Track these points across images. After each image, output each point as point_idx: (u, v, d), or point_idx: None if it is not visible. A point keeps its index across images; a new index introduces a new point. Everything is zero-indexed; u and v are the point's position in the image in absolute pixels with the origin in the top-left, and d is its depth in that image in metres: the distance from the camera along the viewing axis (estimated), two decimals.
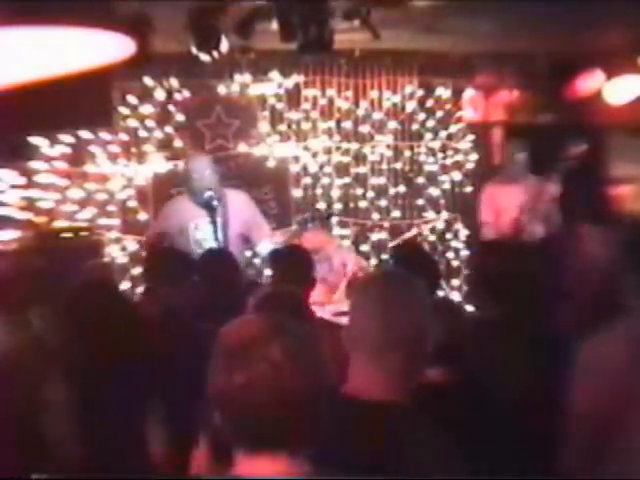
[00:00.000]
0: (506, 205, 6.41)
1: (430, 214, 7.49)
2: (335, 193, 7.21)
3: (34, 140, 6.06)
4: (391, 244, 7.15)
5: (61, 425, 1.85)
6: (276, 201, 7.12)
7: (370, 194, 7.31)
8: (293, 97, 7.08)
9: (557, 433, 2.24)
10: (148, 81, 6.58)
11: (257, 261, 6.44)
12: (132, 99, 6.59)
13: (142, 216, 6.65)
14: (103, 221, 6.48)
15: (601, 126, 7.71)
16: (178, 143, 6.76)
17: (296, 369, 1.47)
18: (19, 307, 3.28)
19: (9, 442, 1.59)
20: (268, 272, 5.37)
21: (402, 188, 7.41)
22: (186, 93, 6.75)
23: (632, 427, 2.00)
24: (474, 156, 7.56)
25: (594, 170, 7.92)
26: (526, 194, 6.35)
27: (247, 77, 6.85)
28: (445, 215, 7.47)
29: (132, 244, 6.55)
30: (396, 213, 7.40)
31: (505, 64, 7.45)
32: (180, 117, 6.76)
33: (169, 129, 6.73)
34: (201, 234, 5.52)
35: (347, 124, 7.24)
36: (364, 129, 7.29)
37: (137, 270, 6.14)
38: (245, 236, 5.69)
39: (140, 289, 4.18)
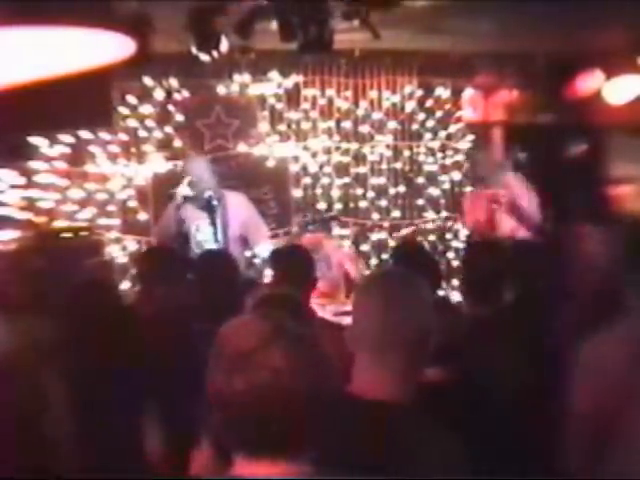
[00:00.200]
0: (486, 207, 6.45)
1: (430, 214, 7.49)
2: (335, 193, 7.21)
3: (34, 140, 6.06)
4: (391, 243, 7.15)
5: (61, 425, 1.85)
6: (276, 201, 7.12)
7: (370, 194, 7.32)
8: (293, 97, 7.08)
9: (556, 433, 2.24)
10: (148, 81, 6.58)
11: (257, 261, 6.43)
12: (132, 99, 6.59)
13: (142, 216, 6.65)
14: (103, 221, 6.48)
15: (601, 126, 7.71)
16: (178, 143, 6.76)
17: (297, 372, 1.47)
18: (19, 307, 3.28)
19: (9, 442, 1.59)
20: (268, 272, 5.36)
21: (402, 188, 7.42)
22: (186, 93, 6.76)
23: (632, 427, 2.00)
24: (473, 156, 7.55)
25: (594, 170, 7.92)
26: (502, 195, 6.36)
27: (247, 77, 6.86)
28: (445, 215, 7.47)
29: (132, 244, 6.55)
30: (396, 213, 7.40)
31: (505, 64, 7.45)
32: (180, 117, 6.76)
33: (169, 129, 6.73)
34: (202, 236, 5.52)
35: (347, 124, 7.24)
36: (364, 129, 7.30)
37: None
38: (244, 237, 5.69)
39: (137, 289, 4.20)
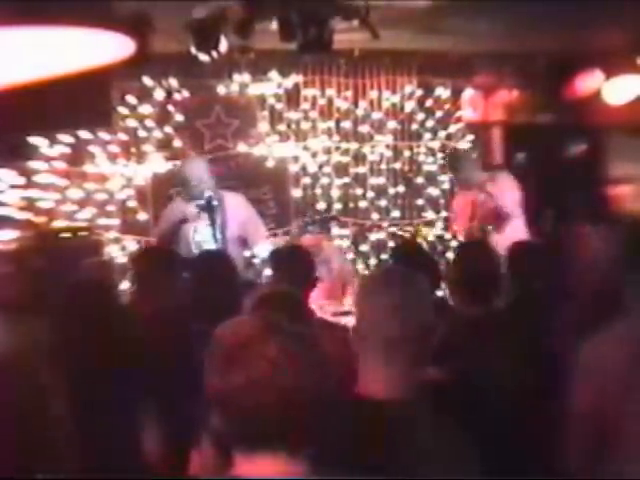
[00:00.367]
0: (467, 209, 6.50)
1: (430, 214, 7.49)
2: (334, 193, 7.21)
3: (33, 140, 6.06)
4: (390, 243, 7.15)
5: (60, 425, 1.85)
6: (275, 201, 7.12)
7: (369, 194, 7.32)
8: (292, 97, 7.08)
9: (556, 433, 2.24)
10: (147, 81, 6.57)
11: (256, 262, 6.43)
12: (131, 99, 6.59)
13: (141, 216, 6.65)
14: (102, 221, 6.47)
15: (600, 126, 7.71)
16: (177, 143, 6.76)
17: (294, 368, 1.47)
18: (19, 307, 3.28)
19: (9, 442, 1.59)
20: (267, 273, 5.36)
21: (401, 188, 7.42)
22: (185, 93, 6.75)
23: (632, 427, 2.00)
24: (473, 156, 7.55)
25: (593, 170, 7.93)
26: (480, 196, 6.39)
27: (246, 77, 6.85)
28: (444, 215, 7.47)
29: (131, 244, 6.55)
30: (395, 213, 7.40)
31: (504, 64, 7.45)
32: (179, 117, 6.76)
33: (168, 129, 6.73)
34: (200, 236, 5.51)
35: (346, 124, 7.24)
36: (363, 129, 7.29)
37: None
38: (243, 238, 5.69)
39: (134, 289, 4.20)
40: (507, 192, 6.33)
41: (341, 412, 1.82)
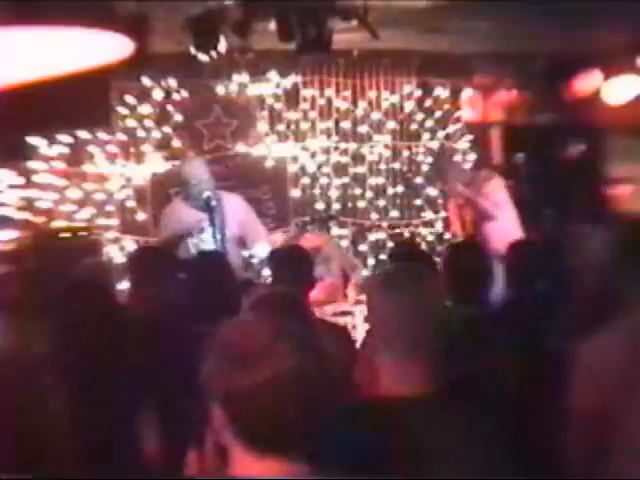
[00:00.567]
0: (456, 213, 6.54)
1: (428, 214, 7.49)
2: (333, 193, 7.21)
3: (32, 140, 6.06)
4: (390, 243, 7.15)
5: (59, 425, 1.85)
6: (274, 201, 7.12)
7: (368, 194, 7.32)
8: (291, 97, 7.08)
9: (555, 433, 2.24)
10: (146, 81, 6.57)
11: (255, 262, 6.43)
12: (130, 99, 6.59)
13: (140, 216, 6.65)
14: (101, 221, 6.47)
15: (599, 126, 7.72)
16: (177, 143, 6.76)
17: (303, 370, 1.47)
18: (17, 307, 3.27)
19: (8, 442, 1.59)
20: (266, 273, 5.36)
21: (400, 188, 7.41)
22: (184, 93, 6.75)
23: (632, 427, 2.00)
24: (472, 156, 7.56)
25: (592, 170, 7.93)
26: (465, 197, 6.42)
27: (245, 77, 6.85)
28: (443, 215, 7.47)
29: (131, 244, 6.55)
30: (394, 213, 7.40)
31: (503, 64, 7.45)
32: (178, 117, 6.76)
33: (167, 129, 6.73)
34: (200, 237, 5.49)
35: (345, 124, 7.24)
36: (362, 129, 7.29)
37: None
38: (242, 238, 5.67)
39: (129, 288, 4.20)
40: (491, 192, 6.36)
41: (363, 412, 1.84)
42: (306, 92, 7.11)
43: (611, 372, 2.06)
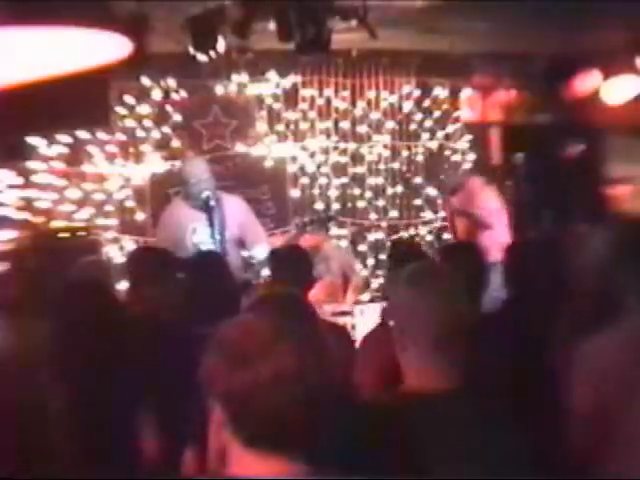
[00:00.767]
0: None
1: (428, 214, 7.49)
2: (333, 193, 7.22)
3: (32, 140, 6.05)
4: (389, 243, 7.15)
5: (59, 425, 1.85)
6: (273, 201, 7.12)
7: (368, 194, 7.32)
8: (290, 97, 7.08)
9: (555, 433, 2.24)
10: (145, 81, 6.57)
11: (254, 262, 6.43)
12: (129, 99, 6.59)
13: (139, 216, 6.64)
14: (101, 221, 6.47)
15: (598, 126, 7.72)
16: (176, 143, 6.76)
17: (304, 370, 1.48)
18: (17, 307, 3.28)
19: (8, 441, 1.59)
20: (266, 274, 5.36)
21: (400, 188, 7.42)
22: (183, 93, 6.75)
23: (632, 427, 2.00)
24: (472, 156, 7.57)
25: (592, 170, 7.93)
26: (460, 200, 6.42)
27: (244, 77, 6.85)
28: (442, 215, 7.47)
29: (130, 244, 6.54)
30: (394, 213, 7.40)
31: (502, 64, 7.45)
32: (177, 117, 6.76)
33: (166, 129, 6.73)
34: (199, 237, 5.48)
35: (345, 124, 7.25)
36: (362, 129, 7.30)
37: None
38: (242, 239, 5.66)
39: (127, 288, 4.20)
40: (485, 200, 6.34)
41: (392, 406, 1.87)
42: (305, 92, 7.11)
43: (611, 372, 2.06)
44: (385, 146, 7.38)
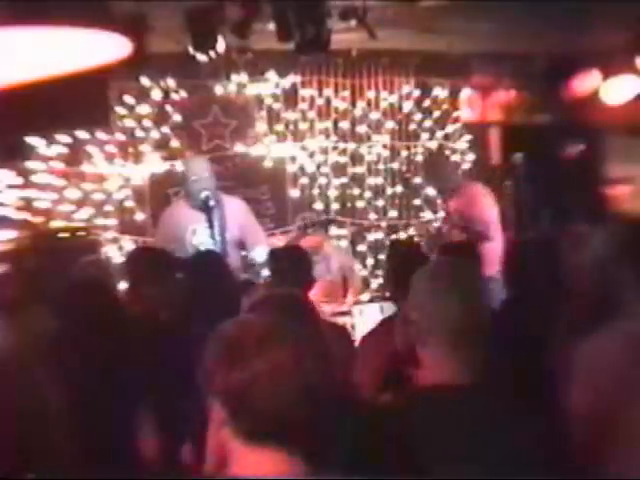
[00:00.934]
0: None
1: (427, 214, 7.49)
2: (332, 193, 7.22)
3: (31, 140, 6.05)
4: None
5: (58, 425, 1.85)
6: (273, 201, 7.12)
7: (367, 194, 7.32)
8: (290, 97, 7.08)
9: (555, 434, 2.24)
10: (145, 81, 6.57)
11: (254, 263, 6.42)
12: (129, 99, 6.58)
13: (139, 216, 6.64)
14: (100, 221, 6.47)
15: (598, 126, 7.72)
16: (175, 143, 6.76)
17: (301, 368, 1.48)
18: (16, 307, 3.28)
19: (7, 440, 1.59)
20: (266, 274, 5.36)
21: (399, 188, 7.42)
22: (183, 93, 6.75)
23: (632, 427, 2.00)
24: (471, 156, 7.57)
25: (591, 170, 7.93)
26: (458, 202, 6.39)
27: (244, 77, 6.85)
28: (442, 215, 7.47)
29: (129, 244, 6.54)
30: (393, 213, 7.40)
31: (502, 64, 7.45)
32: (177, 117, 6.76)
33: (166, 129, 6.73)
34: (199, 238, 5.47)
35: (344, 124, 7.25)
36: (361, 129, 7.30)
37: None
38: (242, 241, 5.66)
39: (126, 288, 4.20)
40: (484, 209, 6.27)
41: (411, 402, 1.89)
42: (305, 92, 7.11)
43: (610, 372, 2.06)
44: (384, 146, 7.38)
